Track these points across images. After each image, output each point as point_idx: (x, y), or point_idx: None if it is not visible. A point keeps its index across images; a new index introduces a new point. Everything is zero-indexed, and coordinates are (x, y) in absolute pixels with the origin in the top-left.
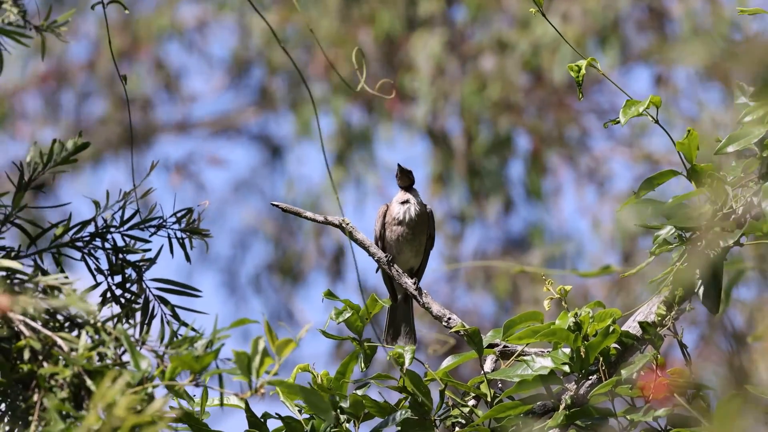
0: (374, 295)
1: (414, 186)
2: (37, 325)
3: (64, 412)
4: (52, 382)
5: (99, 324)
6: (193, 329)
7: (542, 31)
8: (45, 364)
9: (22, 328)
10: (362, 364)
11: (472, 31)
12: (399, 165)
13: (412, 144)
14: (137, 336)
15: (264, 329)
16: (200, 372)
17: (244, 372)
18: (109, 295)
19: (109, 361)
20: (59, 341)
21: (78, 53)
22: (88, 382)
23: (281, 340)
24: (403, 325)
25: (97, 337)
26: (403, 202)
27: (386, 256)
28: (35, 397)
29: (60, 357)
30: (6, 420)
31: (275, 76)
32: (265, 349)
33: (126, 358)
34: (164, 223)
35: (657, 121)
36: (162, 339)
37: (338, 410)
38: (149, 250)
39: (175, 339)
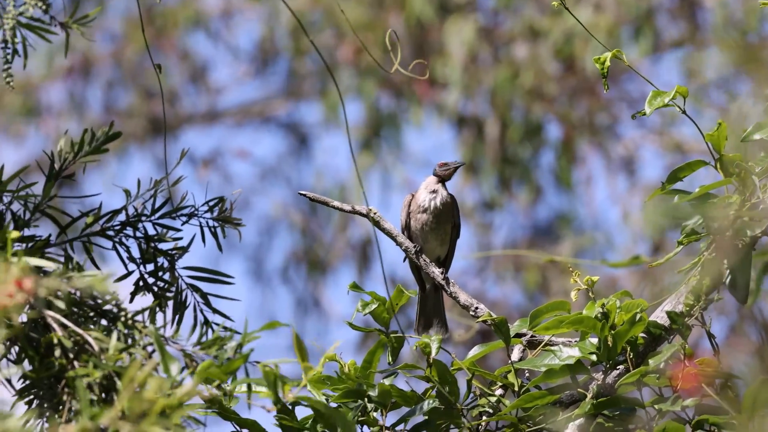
0: (400, 286)
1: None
2: (68, 322)
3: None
4: (82, 382)
5: (130, 321)
6: (225, 328)
7: (575, 19)
8: (75, 362)
9: (54, 325)
10: (389, 357)
11: (503, 18)
12: (460, 165)
13: (441, 131)
14: (168, 328)
15: (293, 344)
16: (227, 378)
17: (270, 387)
18: (141, 283)
19: (138, 357)
20: (90, 340)
21: (103, 47)
22: (118, 383)
23: (307, 365)
24: (433, 315)
25: (127, 331)
26: (432, 191)
27: (414, 246)
28: (64, 397)
29: (90, 353)
30: (36, 411)
31: (303, 63)
32: (281, 377)
33: (156, 356)
34: (196, 212)
35: (684, 112)
36: (193, 335)
37: (366, 399)
38: (181, 239)
39: (205, 336)
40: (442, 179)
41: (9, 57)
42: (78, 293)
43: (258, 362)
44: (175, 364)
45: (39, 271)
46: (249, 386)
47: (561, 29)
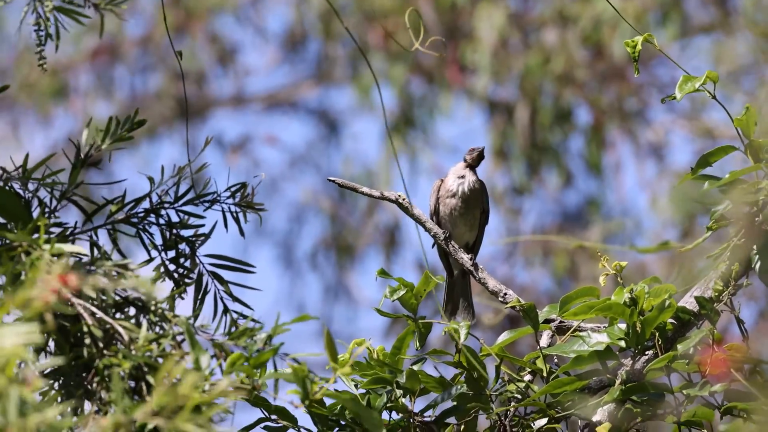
0: (428, 272)
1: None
2: (98, 311)
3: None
4: (112, 372)
5: (161, 311)
6: (253, 320)
7: (603, 5)
8: (104, 351)
9: (85, 314)
10: (417, 343)
11: (533, 4)
12: (483, 149)
13: (471, 116)
14: (193, 317)
15: (324, 343)
16: (256, 368)
17: (299, 384)
18: (162, 270)
19: (168, 348)
20: (120, 330)
21: (132, 28)
22: (147, 374)
23: (341, 361)
24: (461, 301)
25: (156, 319)
26: (460, 176)
27: (444, 232)
28: (94, 385)
29: (120, 344)
30: (64, 400)
31: (333, 48)
32: (309, 377)
33: (186, 347)
34: (218, 198)
35: (714, 97)
36: (221, 325)
37: (394, 385)
38: (203, 225)
39: (234, 326)
40: (470, 165)
41: (42, 39)
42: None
43: (287, 354)
44: (206, 356)
45: (69, 258)
46: (276, 381)
47: (590, 15)
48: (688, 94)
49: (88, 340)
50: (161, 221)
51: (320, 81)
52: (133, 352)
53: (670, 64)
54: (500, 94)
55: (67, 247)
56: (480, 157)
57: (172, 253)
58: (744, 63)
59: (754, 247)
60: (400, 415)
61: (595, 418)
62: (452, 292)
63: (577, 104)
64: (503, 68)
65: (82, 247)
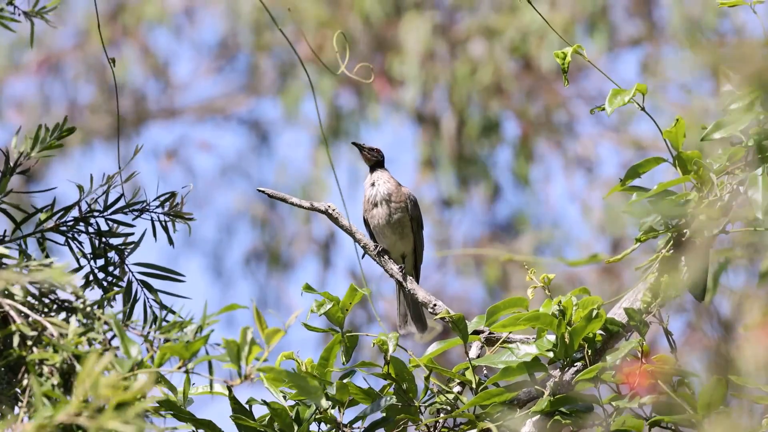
0: (353, 285)
1: (384, 165)
2: (27, 310)
3: (53, 398)
4: (43, 368)
5: (88, 309)
6: (179, 316)
7: (530, 17)
8: (35, 349)
9: (12, 313)
10: (343, 358)
11: (460, 16)
12: (355, 144)
13: (400, 127)
14: (121, 318)
15: (253, 316)
16: (189, 359)
17: (233, 360)
18: (91, 278)
19: (98, 346)
20: (49, 326)
21: (66, 42)
22: (78, 367)
23: (270, 329)
24: (412, 311)
25: (86, 321)
26: (372, 184)
27: (376, 245)
28: (24, 383)
29: (50, 342)
30: None
31: (263, 60)
32: (253, 339)
33: (115, 342)
34: (147, 207)
35: (644, 109)
36: (149, 323)
37: (324, 396)
38: (132, 234)
39: (163, 324)
40: (372, 167)
41: None
42: (37, 288)
43: (218, 344)
44: (135, 347)
45: None
46: (210, 364)
47: (516, 27)
48: (614, 109)
49: (17, 341)
50: (90, 230)
51: (251, 92)
52: (63, 344)
53: (598, 76)
54: (428, 106)
55: None
56: (361, 153)
57: (101, 261)
58: (673, 75)
59: (683, 258)
60: (329, 426)
61: (523, 430)
62: (404, 303)
63: (506, 116)
64: (430, 80)
65: (2, 248)
